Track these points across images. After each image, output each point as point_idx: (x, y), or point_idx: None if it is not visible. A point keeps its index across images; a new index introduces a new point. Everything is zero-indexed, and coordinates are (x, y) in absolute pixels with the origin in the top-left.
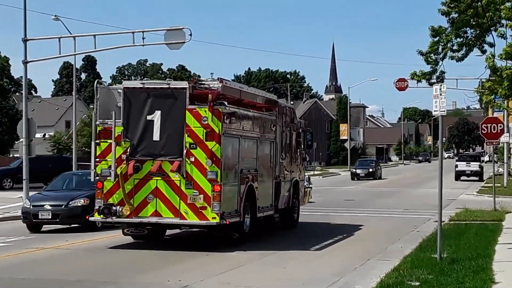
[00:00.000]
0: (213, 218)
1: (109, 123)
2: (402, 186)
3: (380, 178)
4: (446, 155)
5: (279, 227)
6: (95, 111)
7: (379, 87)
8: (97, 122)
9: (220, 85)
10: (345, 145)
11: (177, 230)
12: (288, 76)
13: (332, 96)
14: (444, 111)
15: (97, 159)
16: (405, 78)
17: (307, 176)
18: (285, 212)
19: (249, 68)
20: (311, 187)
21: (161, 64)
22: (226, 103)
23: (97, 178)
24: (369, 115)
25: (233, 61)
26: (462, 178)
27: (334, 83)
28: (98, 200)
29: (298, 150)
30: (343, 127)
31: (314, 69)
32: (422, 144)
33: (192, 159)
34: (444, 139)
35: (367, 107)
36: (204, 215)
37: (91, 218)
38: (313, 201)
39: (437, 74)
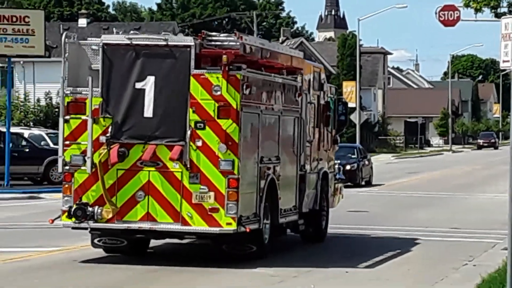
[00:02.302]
0: (228, 223)
1: (83, 92)
2: (448, 189)
3: (368, 183)
4: None
5: (294, 238)
6: (62, 75)
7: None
8: (66, 91)
9: (239, 43)
10: (351, 117)
11: (159, 241)
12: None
13: (330, 34)
14: None
15: (66, 142)
16: (455, 6)
17: (337, 166)
18: (309, 218)
19: None
20: (342, 182)
21: None
22: (245, 66)
23: (66, 168)
24: (393, 68)
25: None
26: None
27: (333, 12)
28: (67, 197)
29: (327, 129)
30: (349, 87)
31: None
32: (484, 118)
33: (199, 143)
34: None
35: (390, 54)
36: (215, 219)
37: (57, 222)
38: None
39: None
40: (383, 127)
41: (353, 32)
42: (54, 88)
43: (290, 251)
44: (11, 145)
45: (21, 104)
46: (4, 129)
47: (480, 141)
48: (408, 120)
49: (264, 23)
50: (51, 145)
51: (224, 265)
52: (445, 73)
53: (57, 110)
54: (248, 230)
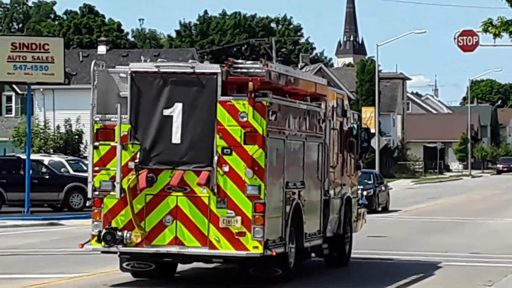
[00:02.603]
0: (255, 247)
1: (111, 119)
2: (468, 214)
3: (385, 209)
4: None
5: (317, 263)
6: (91, 102)
7: (429, 46)
8: (95, 118)
9: (265, 70)
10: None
11: (186, 266)
12: (273, 25)
13: (349, 59)
14: None
15: (96, 168)
16: (474, 31)
17: (360, 192)
18: (333, 242)
19: (205, 11)
20: (365, 208)
21: (54, 3)
22: (271, 93)
23: (96, 193)
24: (412, 93)
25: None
26: None
27: (352, 38)
28: (96, 222)
29: (350, 155)
30: (368, 113)
31: (318, 14)
32: (504, 143)
33: (226, 168)
34: None
35: (409, 79)
36: (242, 243)
37: (87, 247)
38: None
39: None
40: (402, 152)
41: (372, 58)
42: (74, 115)
43: (315, 275)
44: (31, 172)
45: (41, 131)
46: (24, 156)
47: (500, 166)
48: (427, 145)
49: (283, 49)
50: (71, 171)
51: None
52: (464, 98)
53: (76, 137)
54: (274, 253)
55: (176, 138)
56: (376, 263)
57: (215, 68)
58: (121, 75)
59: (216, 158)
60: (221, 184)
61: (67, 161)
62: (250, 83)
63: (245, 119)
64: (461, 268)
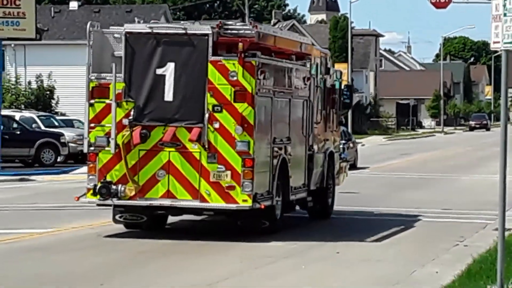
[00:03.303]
0: (244, 200)
1: (106, 78)
2: (440, 170)
3: (353, 166)
4: None
5: (299, 216)
6: (87, 62)
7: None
8: (91, 77)
9: (254, 31)
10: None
11: (176, 218)
12: None
13: (322, 16)
14: (511, 43)
15: (91, 125)
16: None
17: (342, 146)
18: (317, 195)
19: None
20: (347, 161)
21: None
22: (259, 53)
23: (91, 148)
24: (385, 50)
25: None
26: None
27: None
28: (92, 176)
29: (333, 111)
30: (340, 69)
31: None
32: (476, 100)
33: (217, 125)
34: None
35: (382, 36)
36: (232, 196)
37: (82, 200)
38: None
39: None
40: (375, 109)
41: (345, 15)
42: (45, 71)
43: (299, 227)
44: (2, 127)
45: (12, 87)
46: None
47: (472, 123)
48: (400, 102)
49: (256, 6)
50: (42, 127)
51: (239, 239)
52: (437, 55)
53: (48, 93)
54: (263, 206)
55: (168, 96)
56: (344, 219)
57: (206, 29)
58: (115, 35)
59: (207, 115)
60: (212, 140)
61: (38, 116)
62: (240, 44)
63: (235, 78)
64: (433, 224)
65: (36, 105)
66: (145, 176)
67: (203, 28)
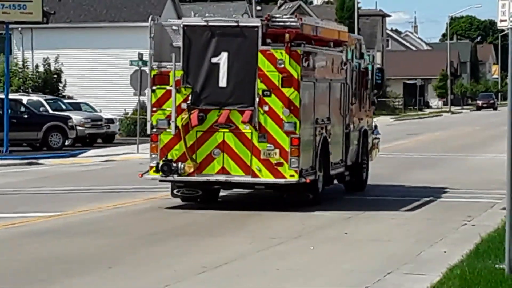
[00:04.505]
0: (291, 175)
1: (167, 66)
2: (447, 150)
3: None
4: None
5: (336, 189)
6: (149, 52)
7: None
8: (153, 66)
9: (299, 23)
10: None
11: (226, 192)
12: None
13: None
14: None
15: (153, 109)
16: None
17: (374, 124)
18: (352, 170)
19: None
20: (379, 138)
21: None
22: (304, 43)
23: (153, 130)
24: (392, 30)
25: None
26: None
27: None
28: (154, 155)
29: (366, 92)
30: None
31: None
32: (483, 79)
33: (266, 108)
34: None
35: (389, 16)
36: (280, 172)
37: (146, 176)
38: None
39: None
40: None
41: None
42: (52, 54)
43: (338, 199)
44: (10, 111)
45: (20, 70)
46: (2, 96)
47: (479, 102)
48: (407, 82)
49: None
50: (50, 111)
51: (281, 210)
52: (444, 35)
53: (55, 76)
54: (308, 181)
55: (222, 82)
56: (364, 197)
57: (256, 22)
58: (174, 27)
59: (257, 99)
60: (262, 122)
61: (45, 100)
62: (287, 35)
63: (282, 65)
64: (442, 204)
65: (44, 88)
66: (202, 154)
67: (253, 20)
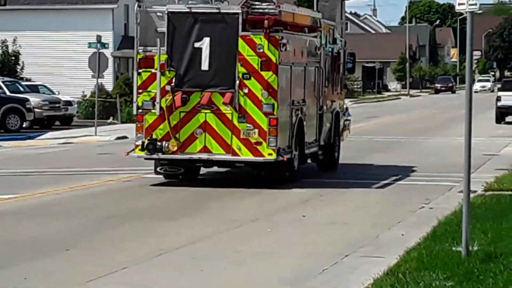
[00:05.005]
0: (269, 154)
1: (152, 50)
2: (406, 133)
3: None
4: (479, 84)
5: (310, 168)
6: (135, 37)
7: None
8: (138, 50)
9: (277, 10)
10: None
11: (205, 170)
12: None
13: None
14: (476, 5)
15: (139, 90)
16: None
17: (345, 107)
18: (325, 149)
19: None
20: (350, 120)
21: None
22: (282, 29)
23: (139, 111)
24: (351, 13)
25: None
26: (509, 119)
27: None
28: (139, 134)
29: (339, 76)
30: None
31: None
32: (442, 62)
33: (246, 90)
34: (478, 54)
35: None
36: (259, 151)
37: (132, 154)
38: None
39: None
40: None
41: None
42: (10, 36)
43: (312, 177)
44: None
45: None
46: None
47: (438, 86)
48: (365, 65)
49: None
50: (8, 93)
51: (261, 187)
52: (403, 18)
53: (13, 58)
54: (285, 159)
55: (205, 65)
56: (324, 180)
57: (237, 8)
58: (158, 14)
59: (237, 82)
60: (242, 103)
61: (3, 82)
62: (266, 21)
63: (261, 50)
64: (400, 187)
65: (1, 70)
66: (185, 134)
67: (233, 7)
